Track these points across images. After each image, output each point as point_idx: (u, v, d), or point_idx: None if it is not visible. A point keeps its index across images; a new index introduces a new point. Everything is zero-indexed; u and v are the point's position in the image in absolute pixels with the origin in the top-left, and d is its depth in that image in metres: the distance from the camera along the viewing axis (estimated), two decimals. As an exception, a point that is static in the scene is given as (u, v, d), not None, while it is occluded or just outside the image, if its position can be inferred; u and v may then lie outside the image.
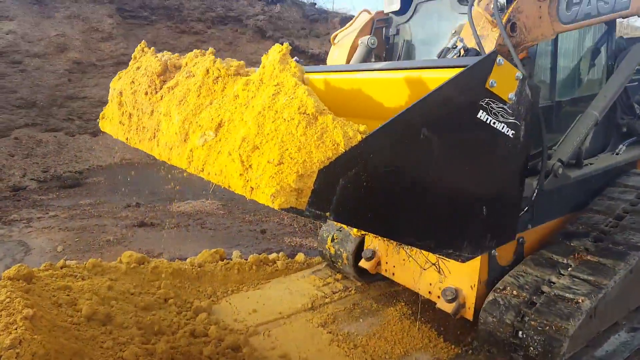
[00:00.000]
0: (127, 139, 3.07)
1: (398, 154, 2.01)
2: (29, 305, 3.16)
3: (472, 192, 2.44)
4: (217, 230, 6.99)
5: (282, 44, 2.11)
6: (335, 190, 1.83)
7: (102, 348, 3.36)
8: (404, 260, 4.27)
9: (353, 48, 4.31)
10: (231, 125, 2.13)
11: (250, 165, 1.92)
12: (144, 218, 7.40)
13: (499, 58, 2.26)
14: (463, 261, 2.64)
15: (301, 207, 1.77)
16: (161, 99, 2.77)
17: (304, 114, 1.85)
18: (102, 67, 12.55)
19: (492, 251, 3.64)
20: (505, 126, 2.41)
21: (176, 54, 3.01)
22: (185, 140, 2.38)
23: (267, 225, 7.20)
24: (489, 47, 3.10)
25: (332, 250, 5.00)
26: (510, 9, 3.24)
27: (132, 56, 3.21)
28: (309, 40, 15.74)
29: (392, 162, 1.99)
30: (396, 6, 4.25)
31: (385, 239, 2.72)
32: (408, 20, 4.31)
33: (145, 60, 3.04)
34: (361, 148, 1.84)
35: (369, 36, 4.20)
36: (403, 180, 2.09)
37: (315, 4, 16.87)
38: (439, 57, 2.97)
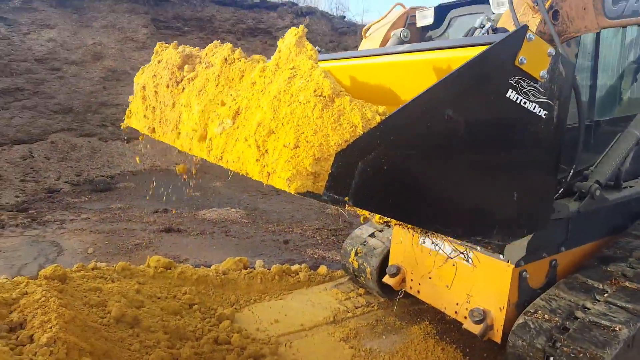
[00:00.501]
0: (152, 130, 3.10)
1: (420, 136, 1.91)
2: (63, 304, 3.27)
3: (502, 176, 2.31)
4: (240, 239, 7.06)
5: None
6: (353, 174, 1.76)
7: (129, 350, 3.43)
8: (429, 277, 4.23)
9: (385, 41, 4.19)
10: (248, 112, 2.10)
11: (266, 150, 1.88)
12: (171, 224, 7.54)
13: (529, 33, 2.12)
14: (494, 250, 2.51)
15: (318, 191, 1.72)
16: (182, 91, 2.78)
17: (320, 96, 1.80)
18: (135, 75, 12.91)
19: (523, 273, 3.56)
20: (537, 106, 2.26)
21: (197, 47, 3.06)
22: (205, 130, 2.38)
23: (290, 236, 7.24)
24: (533, 24, 2.98)
25: (356, 265, 4.99)
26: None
27: (154, 50, 3.23)
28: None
29: (414, 145, 1.90)
30: (429, 20, 4.21)
31: (409, 227, 2.55)
32: (442, 34, 4.31)
33: (166, 54, 3.07)
34: (380, 130, 1.77)
35: (402, 29, 4.09)
36: (427, 163, 1.98)
37: (345, 17, 17.03)
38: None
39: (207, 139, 2.30)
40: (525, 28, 2.12)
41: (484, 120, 2.11)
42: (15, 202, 8.54)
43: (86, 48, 12.54)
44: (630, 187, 3.98)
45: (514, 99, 2.14)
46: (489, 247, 2.50)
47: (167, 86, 2.90)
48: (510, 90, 2.12)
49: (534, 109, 2.24)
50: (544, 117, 2.29)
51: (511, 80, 2.11)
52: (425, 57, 2.47)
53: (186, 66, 2.86)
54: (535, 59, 2.16)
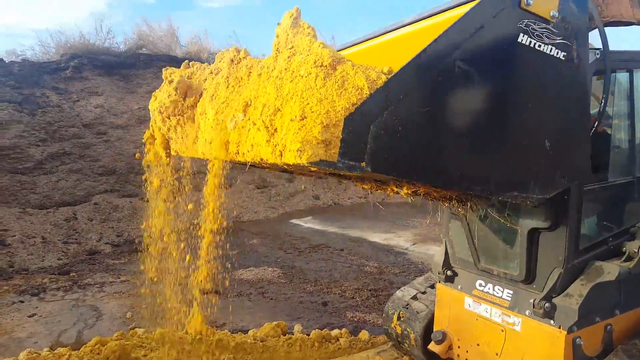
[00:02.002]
0: (176, 151, 3.20)
1: (432, 92, 1.84)
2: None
3: (529, 125, 2.19)
4: (278, 300, 6.92)
5: None
6: (366, 138, 1.70)
7: None
8: (478, 344, 3.97)
9: None
10: (257, 101, 2.08)
11: (275, 129, 1.85)
12: (208, 285, 7.49)
13: None
14: (533, 204, 2.33)
15: (332, 159, 1.66)
16: (196, 104, 2.84)
17: (321, 66, 1.76)
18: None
19: (577, 339, 3.30)
20: (554, 48, 2.17)
21: (205, 64, 3.12)
22: (220, 131, 2.39)
23: (329, 297, 7.05)
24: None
25: (399, 330, 4.76)
26: None
27: (163, 77, 3.31)
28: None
29: (426, 102, 1.83)
30: None
31: (436, 190, 2.37)
32: None
33: (177, 74, 3.16)
34: (388, 89, 1.71)
35: None
36: (444, 120, 1.89)
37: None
38: None
39: (222, 137, 2.31)
40: None
41: (500, 67, 2.02)
42: (58, 264, 8.74)
43: (131, 112, 13.19)
44: None
45: (527, 43, 2.08)
46: (529, 202, 2.31)
47: (183, 102, 2.99)
48: (521, 34, 2.06)
49: (550, 51, 2.15)
50: (564, 58, 2.20)
51: (520, 23, 2.05)
52: (431, 22, 2.41)
53: (194, 78, 2.98)
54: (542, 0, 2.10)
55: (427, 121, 1.84)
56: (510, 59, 2.06)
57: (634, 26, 3.75)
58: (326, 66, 1.76)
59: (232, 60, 2.57)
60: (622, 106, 3.70)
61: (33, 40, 36.38)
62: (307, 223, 12.30)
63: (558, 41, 2.16)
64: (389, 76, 1.73)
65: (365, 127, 1.69)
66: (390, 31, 2.80)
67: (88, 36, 14.16)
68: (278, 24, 2.14)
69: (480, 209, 4.26)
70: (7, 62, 12.92)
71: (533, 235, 3.45)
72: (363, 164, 1.70)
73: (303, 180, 14.68)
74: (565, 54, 2.20)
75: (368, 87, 1.70)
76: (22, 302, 6.55)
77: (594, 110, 3.23)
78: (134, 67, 14.16)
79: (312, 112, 1.69)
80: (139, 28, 15.24)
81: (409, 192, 2.39)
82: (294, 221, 12.49)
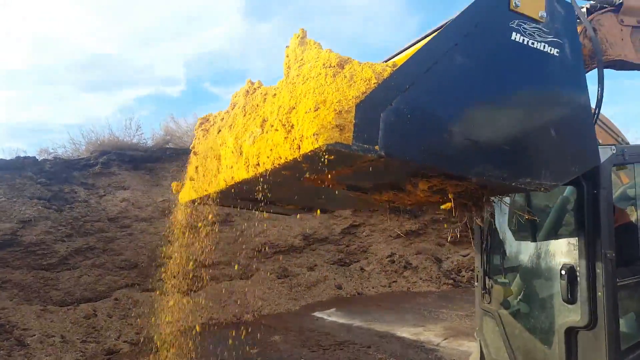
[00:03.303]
0: (197, 189, 3.35)
1: (435, 83, 1.96)
2: None
3: (533, 115, 2.29)
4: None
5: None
6: (378, 124, 1.80)
7: None
8: None
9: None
10: (272, 116, 2.21)
11: (291, 125, 1.98)
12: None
13: None
14: (546, 190, 2.37)
15: (347, 142, 1.75)
16: (217, 139, 3.03)
17: (329, 67, 1.93)
18: (200, 228, 13.48)
19: None
20: (547, 45, 2.32)
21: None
22: (240, 154, 2.53)
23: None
24: None
25: None
26: (591, 17, 3.49)
27: (194, 130, 3.69)
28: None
29: (432, 92, 1.95)
30: None
31: (451, 183, 2.37)
32: None
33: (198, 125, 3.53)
34: (394, 80, 1.85)
35: None
36: (450, 109, 2.00)
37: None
38: None
39: (243, 158, 2.45)
40: None
41: (497, 62, 2.18)
42: (75, 365, 8.43)
43: (155, 205, 13.42)
44: None
45: (521, 41, 2.24)
46: (542, 189, 2.36)
47: (204, 137, 3.28)
48: (514, 32, 2.23)
49: (544, 48, 2.31)
50: (557, 54, 2.34)
51: (511, 23, 2.22)
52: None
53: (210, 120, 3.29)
54: (529, 1, 2.27)
55: (435, 109, 1.99)
56: (508, 54, 2.24)
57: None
58: (334, 66, 1.95)
59: (247, 92, 2.80)
60: None
61: (62, 134, 38.56)
62: (331, 316, 11.82)
63: (550, 39, 2.34)
64: (394, 69, 1.91)
65: (377, 113, 1.83)
66: (406, 49, 3.13)
67: (117, 133, 14.87)
68: (287, 46, 2.34)
69: (510, 302, 4.09)
70: (39, 159, 13.50)
71: (570, 334, 3.32)
72: (377, 147, 1.80)
73: (324, 269, 14.39)
74: (558, 50, 2.37)
75: (375, 77, 1.87)
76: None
77: None
78: (160, 161, 14.65)
79: (325, 102, 1.84)
80: (166, 124, 15.99)
81: (425, 189, 2.38)
82: (317, 314, 12.03)
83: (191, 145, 3.68)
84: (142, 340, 10.03)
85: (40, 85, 34.10)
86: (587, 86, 2.60)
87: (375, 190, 2.72)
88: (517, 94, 2.29)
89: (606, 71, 3.56)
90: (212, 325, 11.35)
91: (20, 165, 12.68)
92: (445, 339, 9.44)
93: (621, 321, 3.29)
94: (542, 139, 2.34)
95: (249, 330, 9.23)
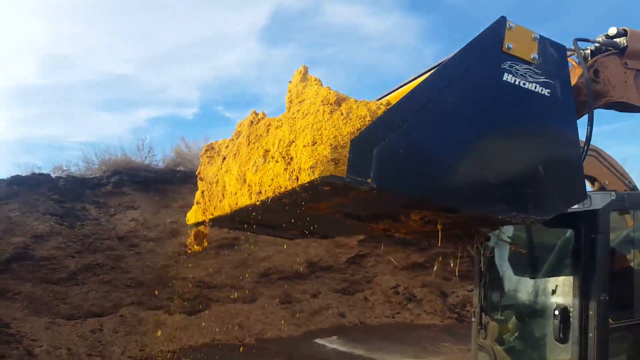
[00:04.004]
0: (204, 212, 3.48)
1: (427, 121, 2.07)
2: None
3: (521, 153, 2.36)
4: None
5: None
6: (371, 158, 1.92)
7: None
8: None
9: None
10: (274, 147, 2.37)
11: (290, 158, 2.12)
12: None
13: (509, 23, 2.29)
14: (533, 224, 2.48)
15: (341, 174, 1.88)
16: (222, 167, 3.21)
17: (327, 104, 2.06)
18: (207, 250, 13.68)
19: None
20: (538, 85, 2.37)
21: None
22: (244, 181, 2.68)
23: None
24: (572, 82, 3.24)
25: None
26: (595, 59, 3.56)
27: (200, 156, 3.90)
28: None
29: (423, 129, 2.06)
30: None
31: (441, 215, 2.49)
32: None
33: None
34: (388, 117, 1.97)
35: None
36: (440, 146, 2.11)
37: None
38: None
39: (246, 186, 2.60)
40: (503, 18, 2.32)
41: (488, 101, 2.27)
42: (80, 379, 8.58)
43: (164, 225, 13.67)
44: None
45: (512, 82, 2.31)
46: (529, 222, 2.47)
47: (210, 168, 3.45)
48: (505, 73, 2.28)
49: (535, 88, 2.37)
50: (548, 95, 2.40)
51: (504, 65, 2.28)
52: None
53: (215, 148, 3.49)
54: (522, 43, 2.33)
55: (425, 146, 2.12)
56: (499, 94, 2.32)
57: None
58: (332, 103, 2.09)
59: (251, 122, 2.97)
60: None
61: (75, 152, 39.16)
62: (332, 344, 11.86)
63: (541, 80, 2.40)
64: (388, 107, 2.05)
65: (370, 148, 1.96)
66: (404, 85, 3.25)
67: (129, 153, 15.22)
68: (289, 81, 2.50)
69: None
70: (53, 177, 13.85)
71: None
72: (368, 180, 1.93)
73: (328, 297, 14.47)
74: (549, 90, 2.42)
75: (370, 115, 2.01)
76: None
77: None
78: (170, 183, 14.95)
79: (322, 137, 1.99)
80: (178, 147, 16.35)
81: (417, 219, 2.52)
82: (319, 341, 12.08)
83: (197, 172, 3.89)
84: (146, 357, 10.17)
85: (56, 103, 34.88)
86: (577, 126, 2.69)
87: (372, 219, 2.85)
88: (507, 133, 2.37)
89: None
90: (214, 346, 11.45)
91: (35, 182, 13.05)
92: (446, 371, 9.51)
93: None
94: (530, 176, 2.41)
95: (251, 352, 9.35)
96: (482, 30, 2.32)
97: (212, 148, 3.77)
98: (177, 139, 21.88)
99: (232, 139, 3.31)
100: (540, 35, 2.43)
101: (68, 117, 33.64)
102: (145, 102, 36.34)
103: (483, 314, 4.33)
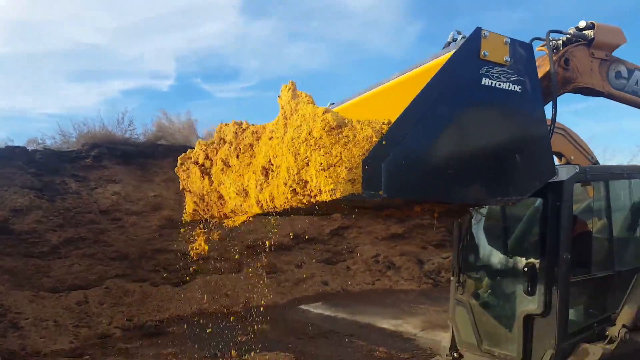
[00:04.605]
0: (204, 215, 3.64)
1: (423, 132, 2.36)
2: None
3: (503, 146, 2.70)
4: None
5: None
6: (380, 174, 2.19)
7: None
8: None
9: None
10: (277, 167, 2.55)
11: (305, 182, 2.31)
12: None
13: (484, 32, 2.54)
14: (513, 203, 2.88)
15: (358, 192, 2.15)
16: (211, 179, 3.32)
17: (330, 129, 2.23)
18: (190, 223, 13.78)
19: None
20: (511, 84, 2.66)
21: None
22: (246, 195, 2.86)
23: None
24: (543, 70, 3.72)
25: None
26: (566, 49, 3.98)
27: (177, 168, 3.94)
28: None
29: (421, 140, 2.35)
30: None
31: (439, 205, 2.92)
32: None
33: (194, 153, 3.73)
34: (390, 135, 2.22)
35: None
36: (437, 151, 2.43)
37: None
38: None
39: (252, 198, 2.77)
40: (479, 29, 2.56)
41: (471, 106, 2.55)
42: (70, 347, 8.74)
43: (147, 200, 13.67)
44: None
45: (489, 84, 2.59)
46: (510, 203, 2.87)
47: (195, 181, 3.52)
48: (484, 78, 2.56)
49: (508, 87, 2.66)
50: (520, 90, 2.70)
51: (481, 70, 2.55)
52: (410, 74, 3.07)
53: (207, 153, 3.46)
54: (496, 49, 2.60)
55: (423, 154, 2.40)
56: (480, 97, 2.61)
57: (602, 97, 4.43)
58: (334, 127, 2.26)
59: (236, 133, 3.08)
60: (601, 210, 4.27)
61: (44, 124, 37.90)
62: (317, 309, 12.26)
63: (513, 78, 2.69)
64: (388, 126, 2.29)
65: (378, 164, 2.22)
66: (377, 86, 3.51)
67: (109, 126, 14.99)
68: (278, 96, 2.64)
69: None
70: (29, 150, 13.62)
71: (528, 321, 3.92)
72: (380, 192, 2.22)
73: (312, 266, 14.82)
74: (520, 87, 2.72)
75: (375, 134, 2.24)
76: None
77: None
78: (152, 157, 14.86)
79: (335, 160, 2.20)
80: (159, 120, 16.17)
81: (419, 210, 2.92)
82: (303, 307, 12.45)
83: (180, 187, 3.96)
84: (133, 327, 10.37)
85: (22, 73, 33.48)
86: (544, 113, 3.05)
87: (377, 208, 3.16)
88: (489, 131, 2.67)
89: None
90: (202, 315, 11.72)
91: (10, 155, 12.78)
92: (422, 330, 10.01)
93: (570, 311, 3.90)
94: (509, 164, 2.76)
95: (240, 320, 9.65)
96: (462, 43, 2.63)
97: (189, 158, 3.81)
98: (154, 111, 21.47)
99: (213, 145, 3.38)
100: (510, 39, 2.68)
101: (36, 88, 32.38)
102: (118, 74, 35.23)
103: (461, 273, 4.69)
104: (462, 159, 2.54)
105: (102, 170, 13.90)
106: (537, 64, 3.83)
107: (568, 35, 4.11)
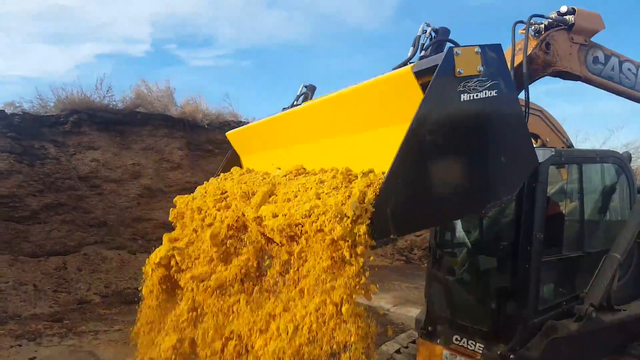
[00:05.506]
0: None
1: (415, 170, 2.45)
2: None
3: (490, 153, 2.74)
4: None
5: None
6: (387, 219, 2.33)
7: None
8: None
9: None
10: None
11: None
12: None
13: (456, 50, 2.53)
14: (505, 204, 3.10)
15: (372, 244, 2.32)
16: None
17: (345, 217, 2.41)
18: (169, 193, 13.84)
19: None
20: (487, 90, 2.63)
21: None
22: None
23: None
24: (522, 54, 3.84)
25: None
26: (547, 33, 4.09)
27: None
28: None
29: (415, 178, 2.45)
30: None
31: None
32: None
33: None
34: (388, 185, 2.35)
35: None
36: (433, 182, 2.53)
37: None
38: (412, 45, 3.26)
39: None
40: (451, 49, 2.55)
41: (454, 125, 2.56)
42: (50, 312, 8.87)
43: (125, 168, 13.64)
44: (624, 310, 4.24)
45: (468, 99, 2.57)
46: (502, 205, 3.06)
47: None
48: (462, 95, 2.55)
49: (485, 95, 2.64)
50: (496, 94, 2.68)
51: (459, 88, 2.55)
52: (383, 76, 2.99)
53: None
54: (469, 62, 2.58)
55: (419, 190, 2.48)
56: (460, 116, 2.61)
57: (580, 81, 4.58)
58: (348, 216, 2.38)
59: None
60: (573, 193, 4.44)
61: (18, 87, 36.56)
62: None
63: (489, 84, 2.66)
64: (383, 177, 2.41)
65: (385, 211, 2.35)
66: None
67: (88, 92, 14.71)
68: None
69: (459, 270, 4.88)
70: (7, 113, 13.34)
71: (501, 297, 4.10)
72: (391, 235, 2.38)
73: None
74: (496, 90, 2.69)
75: (373, 190, 2.44)
76: (19, 345, 6.71)
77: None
78: (131, 124, 14.71)
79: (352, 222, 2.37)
80: (137, 88, 15.92)
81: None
82: (279, 280, 12.77)
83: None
84: (111, 293, 10.51)
85: (-9, 33, 32.06)
86: (521, 109, 3.08)
87: None
88: (475, 144, 2.69)
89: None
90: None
91: (-13, 118, 12.58)
92: (395, 306, 10.46)
93: (541, 289, 4.06)
94: (498, 167, 2.78)
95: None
96: (437, 70, 2.52)
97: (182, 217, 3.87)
98: (131, 76, 20.92)
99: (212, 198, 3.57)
100: (480, 47, 2.64)
101: (4, 48, 31.12)
102: (90, 37, 33.84)
103: (437, 249, 4.90)
104: (455, 178, 2.61)
105: (81, 136, 13.73)
106: (517, 47, 4.00)
107: (550, 20, 4.18)
